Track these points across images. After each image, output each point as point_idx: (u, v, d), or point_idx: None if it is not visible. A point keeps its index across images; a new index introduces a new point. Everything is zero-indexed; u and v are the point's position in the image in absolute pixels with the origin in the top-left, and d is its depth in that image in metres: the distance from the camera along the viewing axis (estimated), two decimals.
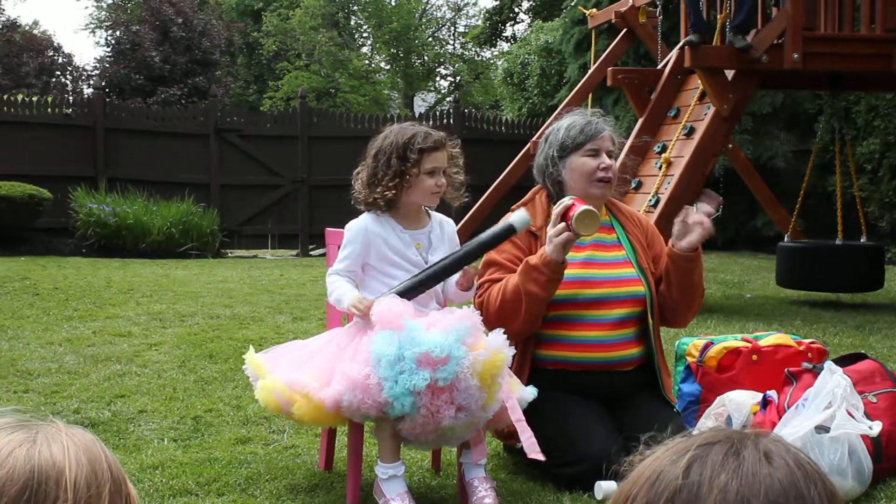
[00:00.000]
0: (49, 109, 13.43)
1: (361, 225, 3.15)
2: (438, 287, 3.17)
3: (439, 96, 34.10)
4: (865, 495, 3.11)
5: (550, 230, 3.15)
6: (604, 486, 3.02)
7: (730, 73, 7.37)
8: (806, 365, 3.44)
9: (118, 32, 24.07)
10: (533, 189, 3.51)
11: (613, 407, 3.37)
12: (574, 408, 3.28)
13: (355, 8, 32.74)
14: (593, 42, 10.55)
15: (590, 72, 9.90)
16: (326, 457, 3.39)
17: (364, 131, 12.32)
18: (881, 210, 11.97)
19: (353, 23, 33.34)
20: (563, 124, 3.44)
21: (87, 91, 23.95)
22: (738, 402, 3.41)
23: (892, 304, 8.20)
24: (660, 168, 7.66)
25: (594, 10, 10.91)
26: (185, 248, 12.54)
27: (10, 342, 5.68)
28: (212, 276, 9.84)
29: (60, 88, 24.55)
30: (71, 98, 15.82)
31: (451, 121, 14.55)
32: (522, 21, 24.93)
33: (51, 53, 26.23)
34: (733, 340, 3.88)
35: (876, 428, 3.11)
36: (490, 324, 3.14)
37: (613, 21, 9.65)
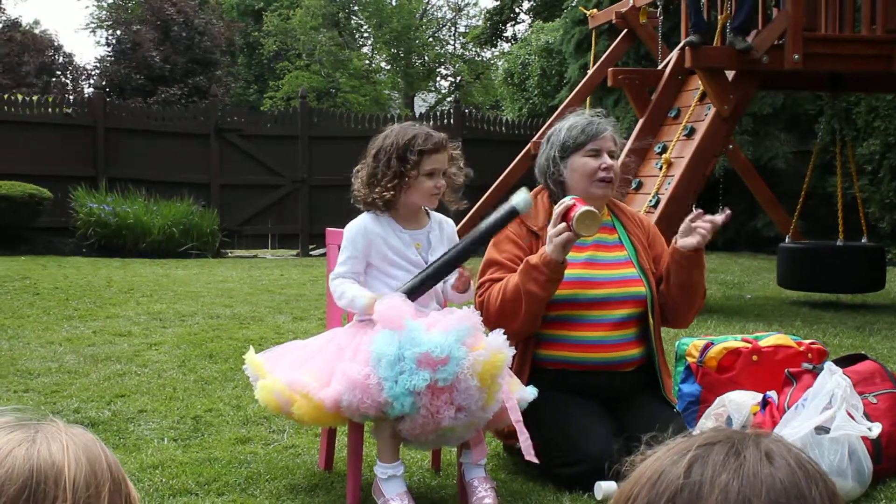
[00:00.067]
0: (49, 109, 13.43)
1: (361, 225, 3.15)
2: (438, 287, 3.17)
3: (440, 96, 34.12)
4: (865, 496, 3.11)
5: (551, 230, 3.14)
6: (604, 487, 3.02)
7: (730, 74, 7.37)
8: (806, 366, 3.44)
9: (119, 32, 24.08)
10: (534, 189, 3.50)
11: (614, 407, 3.36)
12: (575, 408, 3.28)
13: (356, 8, 32.75)
14: (594, 42, 10.55)
15: (590, 72, 9.91)
16: (326, 457, 3.39)
17: (364, 131, 12.32)
18: (881, 211, 11.97)
19: (353, 23, 33.35)
20: (564, 125, 3.44)
21: (88, 91, 23.96)
22: (738, 403, 3.41)
23: (892, 304, 8.20)
24: (660, 168, 7.66)
25: (595, 10, 10.92)
26: (185, 248, 12.54)
27: (11, 341, 5.68)
28: (212, 276, 9.84)
29: (61, 88, 24.55)
30: (71, 98, 15.82)
31: (452, 121, 14.55)
32: (523, 21, 24.94)
33: (51, 53, 26.23)
34: (733, 341, 3.88)
35: (875, 430, 3.11)
36: (490, 323, 3.14)
37: (614, 21, 9.66)
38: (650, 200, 7.45)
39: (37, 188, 12.04)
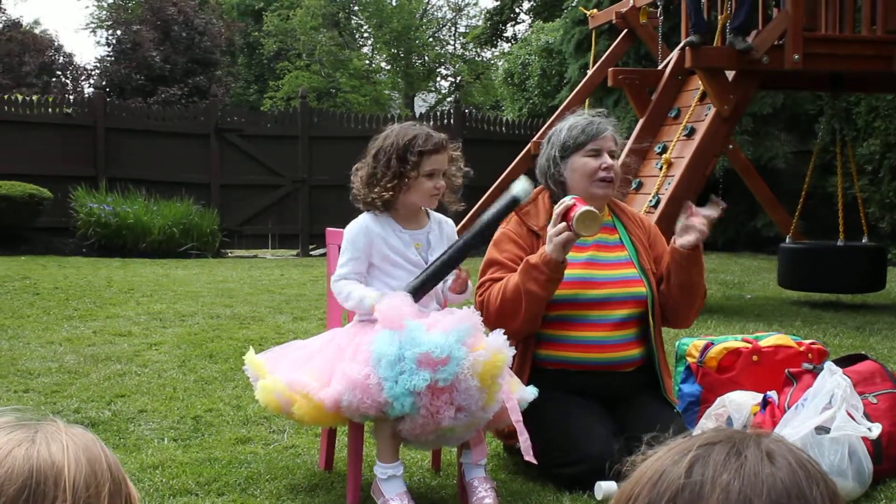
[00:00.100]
0: (49, 109, 13.43)
1: (362, 225, 3.15)
2: (438, 287, 3.17)
3: (440, 97, 34.12)
4: (865, 496, 3.10)
5: (551, 229, 3.14)
6: (604, 487, 3.02)
7: (730, 74, 7.37)
8: (806, 366, 3.43)
9: (119, 32, 24.07)
10: (536, 189, 3.50)
11: (614, 408, 3.36)
12: (575, 408, 3.28)
13: (356, 8, 32.76)
14: (594, 42, 10.55)
15: (590, 72, 9.91)
16: (326, 457, 3.39)
17: (364, 131, 12.32)
18: (881, 211, 11.97)
19: (353, 23, 33.35)
20: (564, 125, 3.43)
21: (88, 91, 23.95)
22: (739, 403, 3.41)
23: (892, 304, 8.20)
24: (660, 169, 7.66)
25: (595, 10, 10.92)
26: (185, 248, 12.54)
27: (11, 342, 5.68)
28: (212, 276, 9.84)
29: (61, 88, 24.54)
30: (71, 98, 15.82)
31: (452, 121, 14.55)
32: (523, 21, 24.95)
33: (51, 53, 26.22)
34: (734, 341, 3.87)
35: (875, 430, 3.11)
36: (490, 323, 3.14)
37: (614, 22, 9.66)
38: (650, 200, 7.45)
39: (37, 188, 12.05)
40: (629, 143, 7.73)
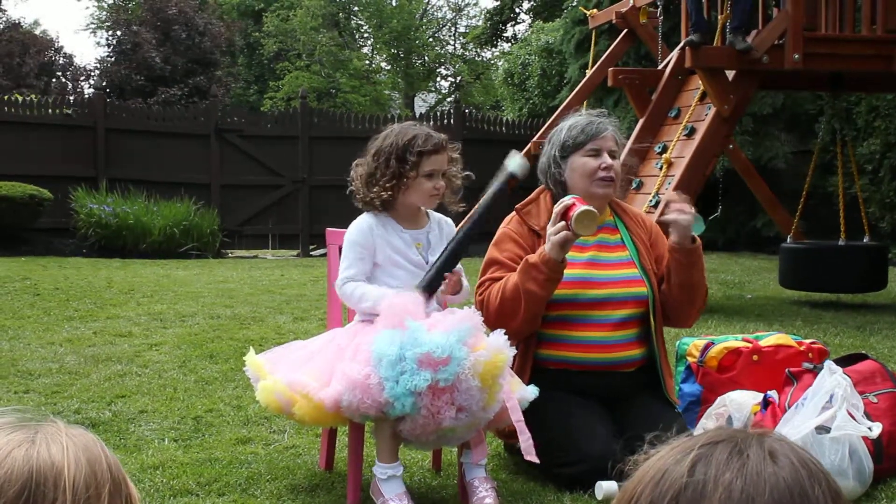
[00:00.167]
0: (49, 109, 13.43)
1: (366, 225, 3.14)
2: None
3: (440, 97, 34.12)
4: (866, 495, 3.10)
5: (550, 229, 3.14)
6: (604, 487, 3.01)
7: (730, 74, 7.37)
8: (807, 365, 3.43)
9: (119, 33, 24.08)
10: (536, 189, 3.50)
11: (615, 408, 3.36)
12: (576, 408, 3.28)
13: (356, 8, 32.76)
14: (594, 42, 10.54)
15: (590, 72, 9.90)
16: (327, 457, 3.39)
17: (365, 132, 12.31)
18: (882, 211, 11.97)
19: (353, 23, 33.35)
20: (565, 125, 3.43)
21: (88, 91, 23.97)
22: (739, 403, 3.41)
23: (892, 304, 8.20)
24: (660, 168, 7.66)
25: (595, 10, 10.92)
26: (185, 249, 12.54)
27: (11, 342, 5.68)
28: (212, 277, 9.84)
29: (61, 89, 24.55)
30: (71, 98, 15.82)
31: (452, 121, 14.55)
32: (523, 21, 24.95)
33: (51, 54, 26.23)
34: (734, 341, 3.87)
35: (876, 430, 3.10)
36: (490, 322, 3.14)
37: (614, 21, 9.65)
38: (650, 200, 7.44)
39: (37, 189, 12.04)
40: (629, 143, 7.72)
